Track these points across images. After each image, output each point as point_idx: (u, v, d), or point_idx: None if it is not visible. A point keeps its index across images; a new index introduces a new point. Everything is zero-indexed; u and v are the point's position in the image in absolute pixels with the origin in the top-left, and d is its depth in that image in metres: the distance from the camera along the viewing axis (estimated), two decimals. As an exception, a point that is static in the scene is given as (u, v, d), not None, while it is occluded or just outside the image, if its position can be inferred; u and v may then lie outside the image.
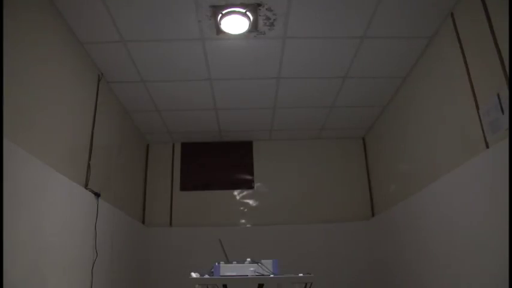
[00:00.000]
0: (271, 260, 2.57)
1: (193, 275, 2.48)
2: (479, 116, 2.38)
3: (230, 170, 4.81)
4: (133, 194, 4.26)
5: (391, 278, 3.87)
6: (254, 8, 2.62)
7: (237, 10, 2.62)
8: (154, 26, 2.75)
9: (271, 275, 2.46)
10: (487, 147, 2.31)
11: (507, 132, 2.10)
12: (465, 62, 2.53)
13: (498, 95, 2.19)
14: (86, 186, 2.92)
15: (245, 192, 4.74)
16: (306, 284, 2.44)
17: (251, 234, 4.48)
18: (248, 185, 4.76)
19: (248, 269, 2.47)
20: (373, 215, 4.55)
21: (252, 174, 4.79)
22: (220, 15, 2.65)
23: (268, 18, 2.72)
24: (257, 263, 2.52)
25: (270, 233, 4.44)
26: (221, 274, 2.48)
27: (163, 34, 2.85)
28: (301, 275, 2.47)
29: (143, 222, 4.53)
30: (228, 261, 2.61)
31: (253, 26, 2.78)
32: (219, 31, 2.82)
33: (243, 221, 4.63)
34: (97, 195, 3.04)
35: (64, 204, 2.55)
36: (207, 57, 3.15)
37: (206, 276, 2.49)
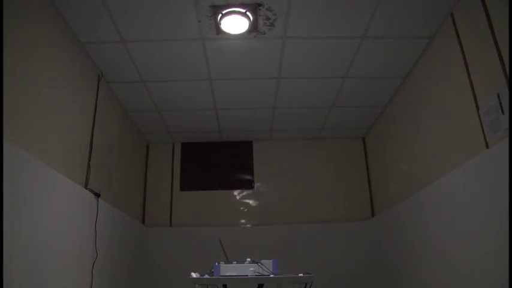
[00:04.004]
0: (271, 260, 2.57)
1: (193, 275, 2.48)
2: (479, 116, 2.38)
3: (230, 170, 4.81)
4: (133, 194, 4.26)
5: (391, 278, 3.87)
6: (254, 8, 2.62)
7: (237, 10, 2.62)
8: (154, 26, 2.75)
9: (271, 275, 2.46)
10: (487, 147, 2.31)
11: (507, 132, 2.10)
12: (465, 62, 2.53)
13: (498, 95, 2.19)
14: (86, 186, 2.92)
15: (245, 192, 4.74)
16: (306, 284, 2.44)
17: (251, 234, 4.48)
18: (248, 185, 4.76)
19: (248, 269, 2.47)
20: (373, 215, 4.55)
21: (252, 174, 4.79)
22: (220, 15, 2.65)
23: (268, 18, 2.72)
24: (257, 263, 2.52)
25: (270, 233, 4.44)
26: (221, 274, 2.48)
27: (163, 34, 2.85)
28: (301, 275, 2.46)
29: (143, 222, 4.53)
30: (228, 261, 2.61)
31: (253, 26, 2.78)
32: (219, 31, 2.82)
33: (243, 221, 4.63)
34: (97, 195, 3.04)
35: (64, 204, 2.55)
36: (207, 57, 3.15)
37: (206, 276, 2.49)
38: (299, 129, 4.65)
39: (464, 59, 2.54)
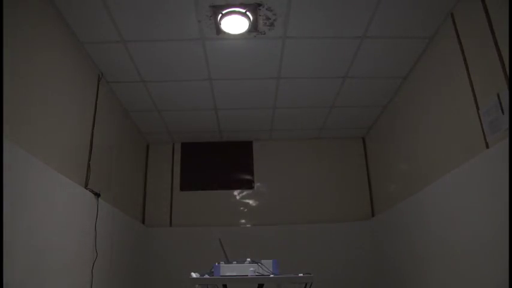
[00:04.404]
0: (271, 260, 2.57)
1: (193, 275, 2.48)
2: (479, 116, 2.39)
3: (230, 170, 4.81)
4: (133, 194, 4.26)
5: (391, 277, 3.87)
6: (254, 8, 2.62)
7: (237, 10, 2.62)
8: (155, 26, 2.75)
9: (271, 275, 2.46)
10: (487, 147, 2.31)
11: (507, 132, 2.10)
12: (465, 62, 2.53)
13: (498, 95, 2.19)
14: (86, 186, 2.92)
15: (245, 192, 4.74)
16: (306, 284, 2.44)
17: (251, 234, 4.48)
18: (248, 185, 4.76)
19: (248, 269, 2.47)
20: (373, 215, 4.55)
21: (252, 174, 4.79)
22: (220, 15, 2.65)
23: (268, 18, 2.72)
24: (257, 263, 2.51)
25: (270, 233, 4.44)
26: (221, 274, 2.48)
27: (164, 34, 2.85)
28: (301, 275, 2.46)
29: (143, 222, 4.53)
30: (228, 261, 2.61)
31: (253, 26, 2.78)
32: (219, 31, 2.82)
33: (243, 221, 4.63)
34: (97, 195, 3.04)
35: (64, 204, 2.55)
36: (207, 57, 3.15)
37: (206, 276, 2.49)
38: (299, 129, 4.65)
39: (464, 59, 2.54)
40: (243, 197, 4.73)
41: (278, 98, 3.85)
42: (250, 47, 3.04)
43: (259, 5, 2.59)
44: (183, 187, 4.74)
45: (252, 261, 2.53)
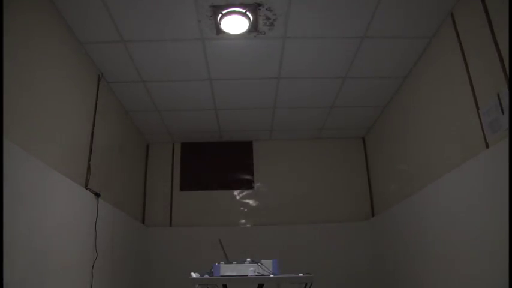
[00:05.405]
0: (271, 260, 2.57)
1: (193, 275, 2.48)
2: (479, 116, 2.39)
3: (230, 170, 4.81)
4: (133, 194, 4.26)
5: (391, 278, 3.87)
6: (254, 8, 2.62)
7: (237, 10, 2.62)
8: (154, 26, 2.75)
9: (271, 275, 2.46)
10: (487, 147, 2.31)
11: (507, 132, 2.10)
12: (465, 62, 2.54)
13: (498, 95, 2.19)
14: (86, 186, 2.92)
15: (245, 192, 4.74)
16: (306, 284, 2.44)
17: (251, 234, 4.48)
18: (248, 185, 4.76)
19: (248, 269, 2.47)
20: (373, 215, 4.55)
21: (252, 174, 4.79)
22: (220, 15, 2.66)
23: (268, 18, 2.72)
24: (257, 263, 2.52)
25: (270, 233, 4.44)
26: (221, 274, 2.48)
27: (163, 34, 2.85)
28: (301, 275, 2.47)
29: (143, 222, 4.53)
30: (228, 261, 2.61)
31: (253, 26, 2.78)
32: (219, 31, 2.82)
33: (243, 221, 4.63)
34: (97, 195, 3.04)
35: (64, 204, 2.55)
36: (207, 57, 3.15)
37: (206, 276, 2.49)
38: (299, 129, 4.65)
39: (464, 59, 2.54)
40: (243, 197, 4.72)
41: (278, 98, 3.85)
42: (250, 47, 3.04)
43: (259, 5, 2.59)
44: (183, 187, 4.74)
45: (252, 261, 2.53)
